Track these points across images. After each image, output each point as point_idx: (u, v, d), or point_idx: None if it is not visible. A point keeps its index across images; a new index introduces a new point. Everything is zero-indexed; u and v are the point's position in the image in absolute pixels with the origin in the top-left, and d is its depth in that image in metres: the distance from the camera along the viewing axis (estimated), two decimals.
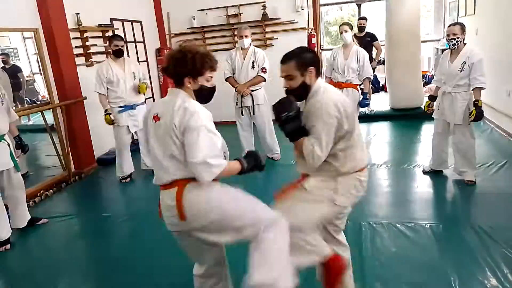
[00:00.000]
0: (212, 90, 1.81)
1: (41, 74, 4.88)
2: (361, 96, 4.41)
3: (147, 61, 6.37)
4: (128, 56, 5.63)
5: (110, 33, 5.41)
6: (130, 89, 4.24)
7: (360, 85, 4.47)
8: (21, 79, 6.10)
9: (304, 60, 1.82)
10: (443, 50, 7.34)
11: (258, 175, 4.41)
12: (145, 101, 4.53)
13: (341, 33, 4.36)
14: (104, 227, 3.48)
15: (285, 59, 1.84)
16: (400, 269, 2.45)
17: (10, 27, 4.14)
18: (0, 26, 3.97)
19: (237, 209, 1.74)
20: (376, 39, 6.42)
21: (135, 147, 4.69)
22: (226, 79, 4.54)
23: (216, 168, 1.62)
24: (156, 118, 1.71)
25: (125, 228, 3.43)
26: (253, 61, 4.40)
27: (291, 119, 1.78)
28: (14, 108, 3.82)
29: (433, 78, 7.80)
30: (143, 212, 3.63)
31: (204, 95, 1.78)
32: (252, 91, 4.43)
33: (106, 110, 4.16)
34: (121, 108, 4.22)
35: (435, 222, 2.99)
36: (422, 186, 3.70)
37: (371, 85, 8.11)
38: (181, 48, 1.76)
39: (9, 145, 3.15)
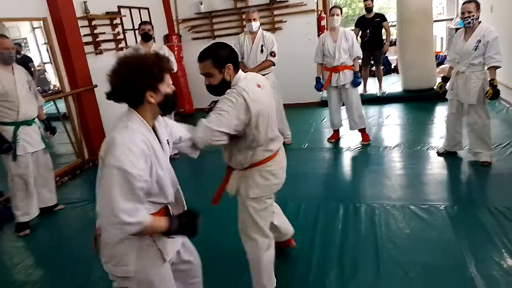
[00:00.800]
0: (174, 95, 1.50)
1: (51, 64, 4.91)
2: (353, 75, 4.35)
3: None
4: (136, 42, 5.62)
5: (118, 21, 5.41)
6: None
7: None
8: (32, 69, 6.16)
9: (220, 57, 1.78)
10: (457, 29, 7.20)
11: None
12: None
13: (332, 16, 4.28)
14: None
15: (202, 57, 1.79)
16: (414, 251, 2.44)
17: (18, 17, 4.15)
18: (9, 16, 3.98)
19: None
20: (386, 20, 6.27)
21: None
22: None
23: (131, 226, 1.33)
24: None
25: None
26: (262, 45, 4.35)
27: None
28: None
29: (446, 58, 7.67)
30: None
31: (170, 105, 1.49)
32: (262, 75, 4.39)
33: None
34: None
35: (450, 203, 2.96)
36: (436, 167, 3.66)
37: (383, 67, 8.02)
38: (121, 61, 1.42)
39: (39, 127, 3.33)
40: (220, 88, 1.83)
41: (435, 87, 5.86)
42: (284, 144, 4.68)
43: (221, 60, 1.78)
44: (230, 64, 1.79)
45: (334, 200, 3.20)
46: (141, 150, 1.37)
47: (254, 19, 4.31)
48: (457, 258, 2.33)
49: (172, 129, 1.72)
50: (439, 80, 3.86)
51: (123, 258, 1.47)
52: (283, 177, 2.08)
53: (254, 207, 1.99)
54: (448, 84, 3.68)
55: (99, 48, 5.01)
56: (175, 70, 4.52)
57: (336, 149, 4.45)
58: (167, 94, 1.46)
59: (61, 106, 4.67)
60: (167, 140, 1.59)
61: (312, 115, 6.00)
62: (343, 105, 4.61)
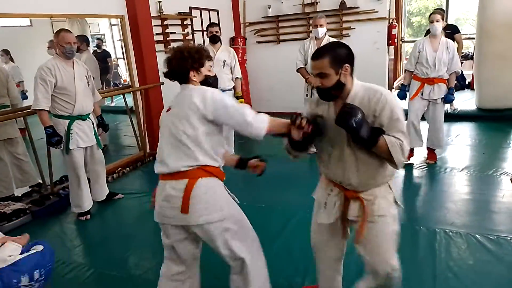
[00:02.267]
0: (215, 78, 1.88)
1: (124, 59, 5.20)
2: (447, 91, 4.00)
3: None
4: (203, 43, 5.77)
5: (188, 21, 5.60)
6: (217, 74, 4.34)
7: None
8: (109, 64, 6.58)
9: (339, 56, 1.62)
10: None
11: (302, 167, 4.30)
12: (231, 88, 4.60)
13: (432, 22, 3.91)
14: None
15: (318, 54, 1.63)
16: (477, 285, 2.22)
17: (99, 14, 4.44)
18: (90, 13, 4.27)
19: (238, 220, 1.86)
20: (458, 31, 5.84)
21: None
22: (298, 70, 4.46)
23: (263, 123, 1.72)
24: (169, 109, 1.81)
25: None
26: None
27: (361, 123, 1.54)
28: (100, 90, 4.10)
29: None
30: None
31: (210, 84, 1.84)
32: None
33: None
34: None
35: None
36: (509, 196, 3.32)
37: (456, 82, 7.52)
38: (173, 49, 1.86)
39: (93, 123, 3.40)
40: (333, 91, 1.64)
41: None
42: None
43: (340, 59, 1.61)
44: (348, 65, 1.63)
45: None
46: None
47: (320, 25, 4.23)
48: None
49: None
50: None
51: (216, 205, 1.78)
52: None
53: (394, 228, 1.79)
54: None
55: (168, 47, 5.20)
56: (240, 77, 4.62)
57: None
58: (207, 76, 1.84)
59: (129, 100, 4.92)
60: None
61: None
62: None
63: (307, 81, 4.36)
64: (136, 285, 2.48)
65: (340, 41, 1.75)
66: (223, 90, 4.42)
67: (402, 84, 4.23)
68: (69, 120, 3.19)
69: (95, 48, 6.41)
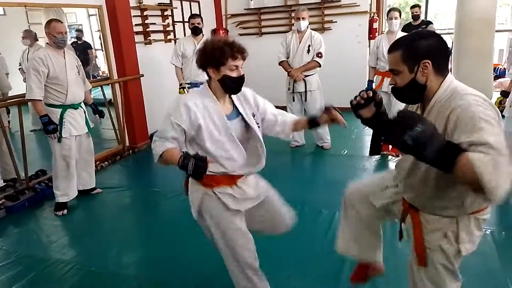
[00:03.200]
0: (235, 79, 1.69)
1: (102, 51, 5.08)
2: None
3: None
4: (184, 35, 5.69)
5: (168, 12, 5.50)
6: (196, 67, 4.30)
7: None
8: (89, 56, 6.43)
9: (416, 49, 1.32)
10: None
11: (306, 164, 4.33)
12: None
13: (390, 19, 4.10)
14: (153, 201, 3.59)
15: (392, 47, 1.38)
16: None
17: (76, 3, 4.31)
18: (68, 2, 4.14)
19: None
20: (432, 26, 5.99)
21: None
22: (280, 63, 4.45)
23: (156, 146, 1.71)
24: None
25: (172, 204, 3.50)
26: (309, 45, 4.25)
27: (422, 138, 1.11)
28: None
29: (505, 71, 7.19)
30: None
31: (227, 85, 1.70)
32: (306, 76, 4.30)
33: (181, 84, 4.34)
34: (187, 85, 4.35)
35: (497, 228, 2.75)
36: None
37: None
38: (205, 41, 1.75)
39: (84, 112, 3.43)
40: (407, 91, 1.38)
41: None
42: (322, 148, 4.63)
43: (416, 53, 1.31)
44: (428, 61, 1.30)
45: None
46: (188, 107, 1.69)
47: (303, 18, 4.22)
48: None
49: (262, 105, 1.91)
50: (495, 94, 3.60)
51: (194, 202, 1.89)
52: None
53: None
54: (507, 100, 3.42)
55: (148, 38, 5.12)
56: None
57: (377, 159, 4.27)
58: (225, 75, 1.67)
59: (108, 92, 4.81)
60: (253, 113, 1.83)
61: (355, 121, 5.78)
62: None
63: (289, 74, 4.35)
64: (116, 280, 2.44)
65: (427, 30, 1.47)
66: (201, 83, 4.37)
67: (369, 80, 4.38)
68: (61, 109, 3.21)
69: (75, 40, 6.24)
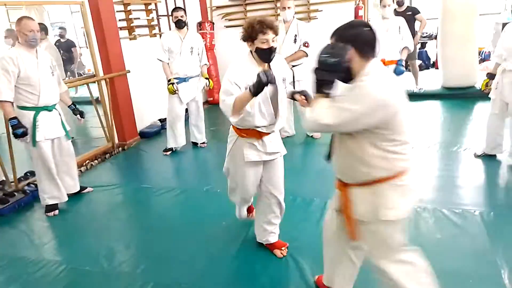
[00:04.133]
0: (266, 50, 2.04)
1: (87, 48, 5.00)
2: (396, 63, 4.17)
3: None
4: (170, 29, 5.63)
5: (152, 6, 5.43)
6: (185, 61, 4.27)
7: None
8: (74, 54, 6.32)
9: (343, 37, 1.55)
10: (504, 24, 6.77)
11: (297, 154, 4.33)
12: (199, 74, 4.50)
13: (384, 6, 4.11)
14: (144, 197, 3.58)
15: (331, 35, 1.62)
16: (445, 257, 2.31)
17: (58, 1, 4.24)
18: (49, 0, 4.06)
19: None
20: (419, 12, 5.97)
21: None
22: None
23: (226, 101, 2.05)
24: None
25: (164, 200, 3.49)
26: (295, 35, 4.23)
27: (329, 66, 1.50)
28: (64, 80, 3.94)
29: (489, 55, 7.25)
30: (182, 185, 3.74)
31: (261, 55, 2.07)
32: (293, 66, 4.29)
33: (169, 80, 4.24)
34: (176, 80, 4.26)
35: (486, 209, 2.79)
36: (473, 170, 3.47)
37: (421, 62, 7.69)
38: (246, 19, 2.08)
39: (60, 114, 3.29)
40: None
41: (477, 85, 5.61)
42: (312, 138, 4.64)
43: (343, 40, 1.55)
44: (351, 47, 1.51)
45: None
46: (236, 72, 2.12)
47: (288, 7, 4.20)
48: (491, 267, 2.20)
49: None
50: (481, 77, 3.64)
51: (229, 143, 2.36)
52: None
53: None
54: (492, 82, 3.46)
55: (133, 33, 5.06)
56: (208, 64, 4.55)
57: None
58: (258, 48, 2.05)
59: (94, 90, 4.75)
60: (283, 78, 2.23)
61: None
62: None
63: None
64: (110, 278, 2.43)
65: (359, 21, 1.61)
66: (191, 77, 4.35)
67: None
68: (34, 112, 3.07)
69: (59, 38, 6.13)
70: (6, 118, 3.00)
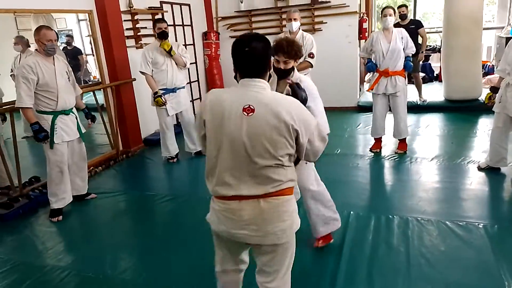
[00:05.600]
0: (276, 69, 2.21)
1: (93, 55, 5.06)
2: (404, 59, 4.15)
3: (193, 44, 6.40)
4: (176, 40, 5.69)
5: (159, 16, 5.49)
6: (172, 72, 4.30)
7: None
8: (80, 61, 6.39)
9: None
10: (507, 38, 6.82)
11: None
12: (185, 85, 4.53)
13: (385, 16, 4.10)
14: (148, 205, 3.59)
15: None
16: (448, 270, 2.31)
17: (66, 9, 4.29)
18: (58, 8, 4.13)
19: None
20: (422, 26, 5.99)
21: (179, 129, 4.74)
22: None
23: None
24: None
25: (167, 207, 3.51)
26: (301, 46, 4.26)
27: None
28: None
29: (493, 68, 7.29)
30: (186, 192, 3.75)
31: (274, 71, 2.20)
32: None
33: (156, 93, 4.23)
34: (163, 91, 4.27)
35: (490, 222, 2.79)
36: (477, 183, 3.46)
37: (424, 75, 7.73)
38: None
39: (76, 117, 3.40)
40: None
41: (480, 98, 5.63)
42: None
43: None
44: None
45: (365, 210, 3.10)
46: None
47: (294, 19, 4.24)
48: (495, 280, 2.18)
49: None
50: (484, 90, 3.65)
51: None
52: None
53: None
54: (496, 96, 3.48)
55: (139, 42, 5.11)
56: (187, 66, 4.49)
57: (370, 157, 4.31)
58: (273, 65, 2.17)
59: (100, 97, 4.80)
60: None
61: (347, 120, 5.86)
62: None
63: None
64: (113, 285, 2.43)
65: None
66: (178, 88, 4.38)
67: (367, 58, 4.32)
68: (52, 116, 3.18)
69: (65, 45, 6.20)
70: (29, 123, 3.10)
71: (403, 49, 4.07)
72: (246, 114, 1.45)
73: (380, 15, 4.22)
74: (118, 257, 2.73)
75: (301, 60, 4.24)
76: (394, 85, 4.13)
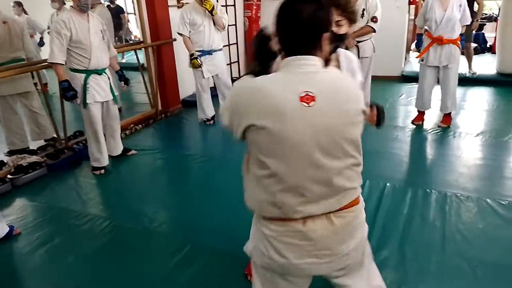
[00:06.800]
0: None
1: (135, 14, 5.09)
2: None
3: (234, 5, 6.27)
4: (217, 1, 5.58)
5: None
6: (209, 34, 4.23)
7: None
8: (122, 20, 6.46)
9: None
10: None
11: None
12: (222, 48, 4.48)
13: None
14: (184, 164, 3.70)
15: None
16: (486, 248, 2.24)
17: None
18: None
19: None
20: None
21: (215, 92, 4.74)
22: None
23: None
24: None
25: (200, 167, 3.60)
26: (364, 9, 3.97)
27: None
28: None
29: None
30: (219, 154, 3.84)
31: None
32: (358, 42, 4.04)
33: (192, 54, 4.20)
34: (199, 53, 4.23)
35: None
36: None
37: (477, 45, 7.24)
38: None
39: (109, 78, 3.38)
40: None
41: None
42: None
43: None
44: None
45: (402, 182, 3.03)
46: None
47: None
48: None
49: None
50: None
51: None
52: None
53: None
54: None
55: (181, 1, 5.07)
56: (225, 28, 4.39)
57: (411, 129, 4.16)
58: None
59: (140, 56, 4.86)
60: None
61: (389, 90, 5.65)
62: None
63: None
64: (150, 237, 2.55)
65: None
66: (215, 50, 4.32)
67: (417, 34, 4.09)
68: (85, 75, 3.18)
69: (109, 3, 6.27)
70: (59, 80, 3.13)
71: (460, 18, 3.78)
72: (306, 104, 1.07)
73: None
74: (156, 211, 2.84)
75: (363, 24, 4.00)
76: (448, 56, 3.87)
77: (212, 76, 4.47)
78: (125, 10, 6.88)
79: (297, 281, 1.26)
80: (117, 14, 6.31)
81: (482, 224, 2.46)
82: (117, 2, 6.54)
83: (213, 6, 4.10)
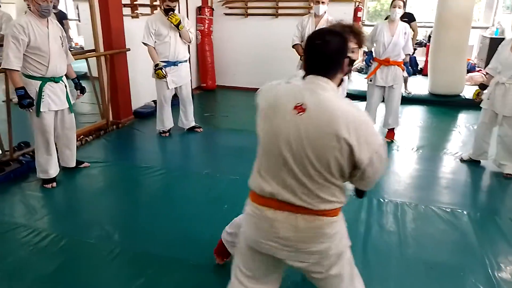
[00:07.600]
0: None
1: (79, 21, 4.85)
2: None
3: (187, 18, 6.29)
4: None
5: None
6: (175, 45, 4.21)
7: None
8: (65, 26, 6.15)
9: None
10: (491, 39, 7.09)
11: None
12: (187, 59, 4.50)
13: (394, 7, 4.10)
14: (138, 176, 3.60)
15: None
16: (437, 250, 2.49)
17: None
18: None
19: None
20: (414, 20, 6.14)
21: (175, 103, 4.70)
22: (293, 46, 4.43)
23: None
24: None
25: (157, 179, 3.53)
26: None
27: None
28: None
29: (475, 66, 7.58)
30: (176, 166, 3.80)
31: None
32: None
33: (157, 65, 4.13)
34: (164, 64, 4.20)
35: (472, 210, 2.98)
36: (459, 174, 3.67)
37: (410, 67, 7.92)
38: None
39: (66, 86, 3.23)
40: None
41: (461, 94, 5.87)
42: None
43: None
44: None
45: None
46: None
47: (322, 2, 4.15)
48: (479, 261, 2.37)
49: None
50: (467, 87, 3.82)
51: None
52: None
53: None
54: (484, 92, 3.66)
55: (136, 11, 5.00)
56: (192, 41, 4.41)
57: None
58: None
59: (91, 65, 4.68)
60: None
61: None
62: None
63: (302, 58, 4.37)
64: (101, 250, 2.46)
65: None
66: (180, 62, 4.31)
67: (368, 51, 4.43)
68: (41, 82, 3.01)
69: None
70: (14, 87, 2.93)
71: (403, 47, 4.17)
72: (296, 112, 1.31)
73: (390, 6, 4.22)
74: (108, 224, 2.75)
75: None
76: (393, 77, 4.22)
77: (175, 88, 4.43)
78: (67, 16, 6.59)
79: (267, 259, 1.49)
80: (60, 20, 5.99)
81: (431, 229, 2.72)
82: (59, 7, 6.24)
83: (179, 21, 4.08)
